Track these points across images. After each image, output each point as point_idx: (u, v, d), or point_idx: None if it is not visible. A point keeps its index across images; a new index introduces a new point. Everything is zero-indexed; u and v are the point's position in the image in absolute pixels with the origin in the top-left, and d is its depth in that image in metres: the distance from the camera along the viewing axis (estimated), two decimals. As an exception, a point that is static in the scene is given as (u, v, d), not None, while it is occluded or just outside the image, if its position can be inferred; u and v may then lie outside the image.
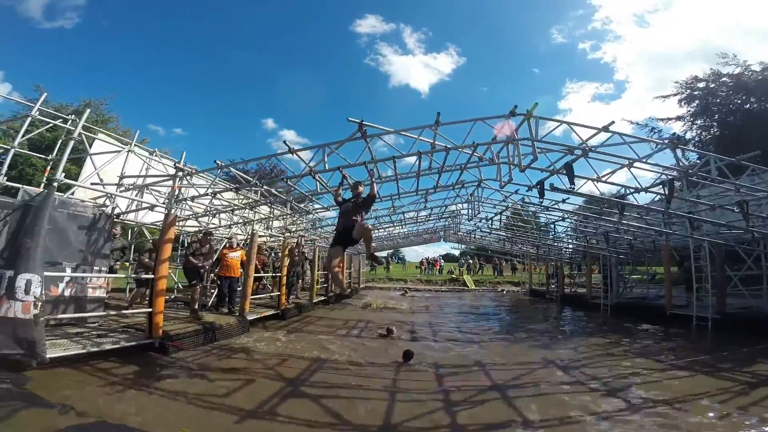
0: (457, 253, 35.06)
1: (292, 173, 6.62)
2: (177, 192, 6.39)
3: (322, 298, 13.45)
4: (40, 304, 4.43)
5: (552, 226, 12.34)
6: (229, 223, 9.00)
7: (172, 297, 10.00)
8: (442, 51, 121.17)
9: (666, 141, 6.36)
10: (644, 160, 6.53)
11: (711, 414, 3.87)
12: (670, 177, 6.81)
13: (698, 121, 19.52)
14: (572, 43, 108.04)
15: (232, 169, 6.36)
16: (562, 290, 16.18)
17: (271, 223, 10.59)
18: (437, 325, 10.04)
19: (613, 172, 7.05)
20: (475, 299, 17.80)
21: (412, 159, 6.76)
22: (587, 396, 4.50)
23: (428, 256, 31.85)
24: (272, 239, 11.35)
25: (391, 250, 35.81)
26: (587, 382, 5.09)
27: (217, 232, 9.57)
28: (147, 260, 7.71)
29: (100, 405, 3.71)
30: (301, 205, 9.98)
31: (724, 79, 18.26)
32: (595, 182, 7.33)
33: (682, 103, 19.69)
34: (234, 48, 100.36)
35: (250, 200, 7.97)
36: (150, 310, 5.79)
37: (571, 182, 6.32)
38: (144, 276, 7.15)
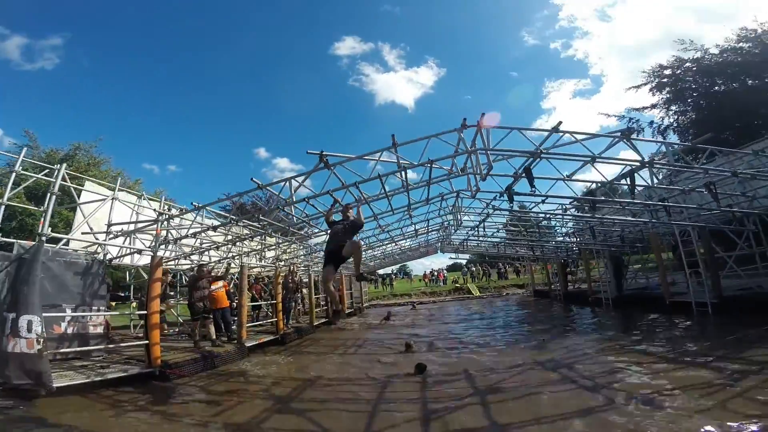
0: (463, 262, 35.02)
1: (261, 205, 7.03)
2: (164, 235, 6.86)
3: (324, 320, 13.67)
4: (42, 340, 4.90)
5: (539, 226, 12.52)
6: (218, 258, 9.42)
7: (176, 330, 10.37)
8: (422, 64, 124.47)
9: (618, 133, 6.59)
10: (601, 155, 6.84)
11: (687, 408, 3.74)
12: (631, 168, 7.07)
13: (673, 107, 19.84)
14: (544, 44, 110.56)
15: (208, 208, 6.79)
16: (565, 288, 16.18)
17: (263, 253, 11.03)
18: (439, 335, 10.12)
19: (574, 171, 7.32)
20: (480, 306, 17.79)
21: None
22: (569, 394, 4.56)
23: (434, 269, 31.92)
24: (267, 269, 11.72)
25: (396, 266, 35.95)
26: (574, 379, 5.14)
27: (211, 266, 10.00)
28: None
29: (102, 425, 4.12)
30: (289, 237, 10.39)
31: (687, 64, 18.67)
32: (565, 181, 7.67)
33: (654, 92, 20.07)
34: (220, 83, 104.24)
35: (232, 236, 8.36)
36: (147, 342, 6.16)
37: (531, 185, 6.64)
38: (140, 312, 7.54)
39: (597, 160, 6.82)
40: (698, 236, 9.62)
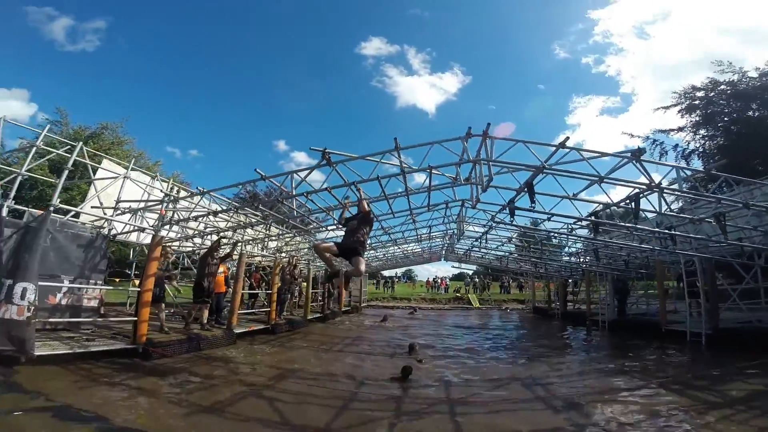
0: (470, 272, 34.77)
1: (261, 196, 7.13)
2: (169, 215, 7.03)
3: (318, 315, 13.76)
4: (32, 308, 5.05)
5: (542, 243, 12.30)
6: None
7: (172, 311, 10.54)
8: (447, 71, 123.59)
9: (628, 154, 6.40)
10: (608, 175, 6.68)
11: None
12: (638, 191, 6.88)
13: (701, 131, 19.09)
14: (575, 58, 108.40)
15: (214, 194, 6.91)
16: (564, 307, 15.90)
17: (266, 243, 11.16)
18: (431, 342, 10.01)
19: (581, 191, 7.16)
20: (477, 318, 17.61)
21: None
22: (534, 413, 4.52)
23: (438, 276, 31.85)
24: (267, 259, 11.85)
25: (401, 270, 35.93)
26: (545, 398, 5.08)
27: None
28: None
29: (70, 394, 4.23)
30: (290, 229, 10.49)
31: (722, 87, 17.92)
32: (571, 200, 7.52)
33: (683, 114, 19.30)
34: (246, 73, 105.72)
35: (235, 222, 8.48)
36: (135, 318, 6.31)
37: (532, 200, 6.56)
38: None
39: (604, 180, 6.69)
40: (703, 267, 9.34)
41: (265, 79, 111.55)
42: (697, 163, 19.12)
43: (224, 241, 8.91)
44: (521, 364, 7.48)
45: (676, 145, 19.67)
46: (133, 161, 7.91)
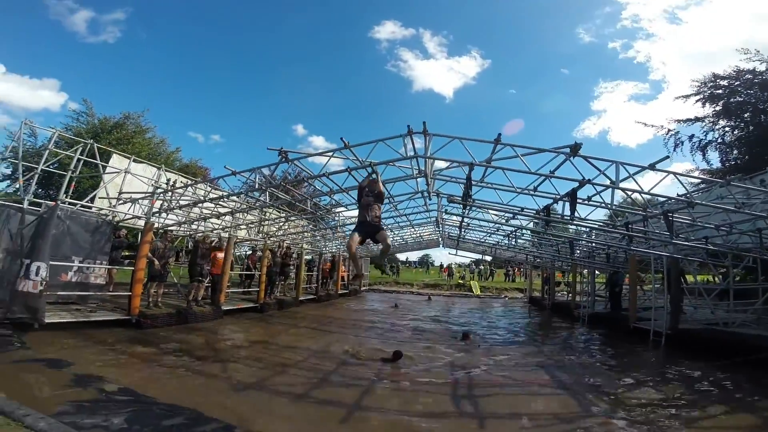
0: (488, 258, 34.73)
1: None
2: (158, 205, 8.28)
3: (312, 297, 14.89)
4: (44, 283, 6.34)
5: (515, 234, 12.53)
6: (212, 228, 10.78)
7: (176, 290, 11.95)
8: (464, 54, 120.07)
9: (566, 150, 6.59)
10: (553, 171, 7.08)
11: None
12: (574, 187, 7.21)
13: (721, 122, 18.09)
14: (602, 43, 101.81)
15: (208, 184, 7.99)
16: (553, 298, 16.13)
17: (262, 227, 12.28)
18: (401, 327, 10.65)
19: (531, 185, 7.59)
20: (474, 305, 18.17)
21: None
22: (436, 395, 4.88)
23: (455, 262, 32.48)
24: (258, 242, 13.00)
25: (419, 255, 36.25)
26: (456, 385, 5.39)
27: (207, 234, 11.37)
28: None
29: (63, 351, 5.45)
30: (269, 217, 11.51)
31: (747, 76, 16.88)
32: (531, 194, 7.98)
33: (704, 103, 18.28)
34: (264, 58, 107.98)
35: (229, 209, 9.57)
36: (130, 293, 7.58)
37: (468, 194, 7.15)
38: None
39: (553, 176, 7.15)
40: (668, 266, 9.35)
41: (281, 64, 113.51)
42: (713, 155, 18.40)
43: (211, 236, 10.11)
44: (464, 350, 7.77)
45: (692, 136, 18.79)
46: (132, 158, 9.02)
